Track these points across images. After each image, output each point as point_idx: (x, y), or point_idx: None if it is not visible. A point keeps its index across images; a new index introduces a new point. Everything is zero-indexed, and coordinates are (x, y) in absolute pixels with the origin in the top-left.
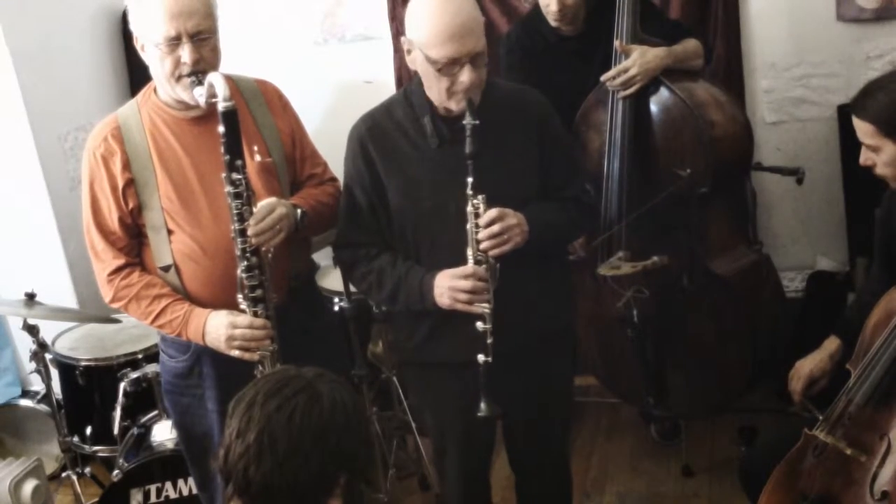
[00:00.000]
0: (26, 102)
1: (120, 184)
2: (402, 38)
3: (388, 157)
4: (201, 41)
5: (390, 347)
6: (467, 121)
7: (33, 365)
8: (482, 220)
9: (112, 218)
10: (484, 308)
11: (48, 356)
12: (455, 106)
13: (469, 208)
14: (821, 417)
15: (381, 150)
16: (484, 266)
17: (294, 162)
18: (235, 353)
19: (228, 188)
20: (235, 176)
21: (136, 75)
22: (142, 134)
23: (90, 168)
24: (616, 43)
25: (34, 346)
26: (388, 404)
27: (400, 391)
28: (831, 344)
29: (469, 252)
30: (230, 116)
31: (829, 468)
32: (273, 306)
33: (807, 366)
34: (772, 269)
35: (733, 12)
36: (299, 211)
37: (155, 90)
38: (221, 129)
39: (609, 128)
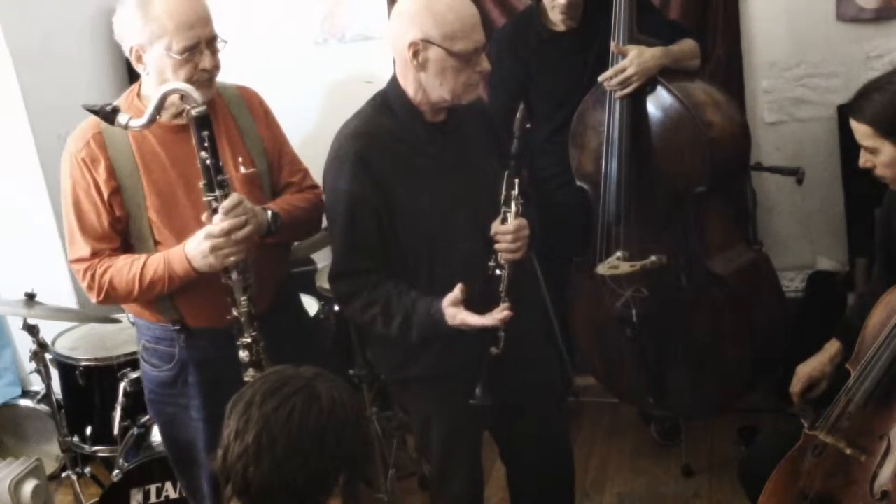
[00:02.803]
0: (26, 102)
1: (105, 192)
2: (407, 44)
3: (393, 168)
4: (213, 46)
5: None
6: (518, 125)
7: (33, 365)
8: (508, 228)
9: (102, 222)
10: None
11: (48, 356)
12: (468, 98)
13: (512, 208)
14: (807, 425)
15: (385, 163)
16: (501, 272)
17: (275, 170)
18: (232, 259)
19: (207, 198)
20: (220, 178)
21: (135, 75)
22: (125, 141)
23: (71, 173)
24: (612, 45)
25: (34, 346)
26: (388, 404)
27: None
28: (832, 346)
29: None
30: (203, 121)
31: (828, 468)
32: (252, 306)
33: (806, 368)
34: (770, 268)
35: (733, 12)
36: (269, 212)
37: (138, 95)
38: (199, 133)
39: (606, 128)
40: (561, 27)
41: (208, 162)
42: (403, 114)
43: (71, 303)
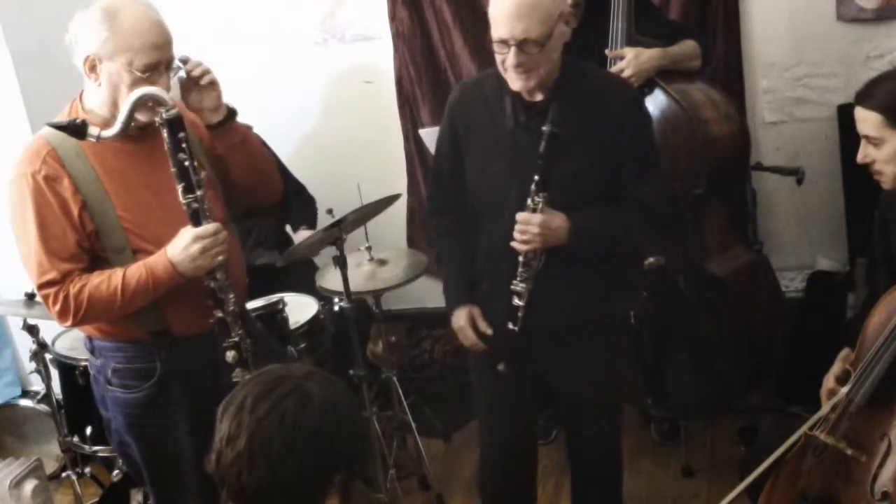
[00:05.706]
0: (26, 102)
1: (74, 209)
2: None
3: (468, 130)
4: (169, 71)
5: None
6: (546, 127)
7: (33, 365)
8: (519, 217)
9: (70, 242)
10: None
11: (48, 356)
12: (513, 86)
13: (529, 202)
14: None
15: (464, 123)
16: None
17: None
18: (219, 259)
19: (187, 199)
20: (197, 178)
21: None
22: (81, 155)
23: (33, 193)
24: (607, 51)
25: (34, 346)
26: (388, 404)
27: (400, 391)
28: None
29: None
30: (177, 123)
31: (829, 468)
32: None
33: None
34: (769, 269)
35: (733, 12)
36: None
37: (83, 107)
38: (175, 136)
39: None
40: None
41: (186, 163)
42: (504, 84)
43: None
